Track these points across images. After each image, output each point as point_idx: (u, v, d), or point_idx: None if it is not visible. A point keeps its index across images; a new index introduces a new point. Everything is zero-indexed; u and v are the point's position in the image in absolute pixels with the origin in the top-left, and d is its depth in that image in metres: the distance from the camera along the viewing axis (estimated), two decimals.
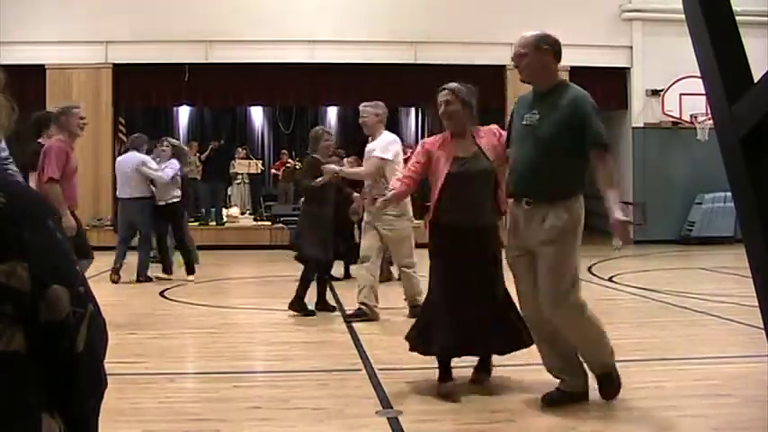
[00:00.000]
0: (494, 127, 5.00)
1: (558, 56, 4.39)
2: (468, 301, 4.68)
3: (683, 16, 1.87)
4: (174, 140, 11.45)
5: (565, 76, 14.97)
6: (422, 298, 6.90)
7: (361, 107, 7.55)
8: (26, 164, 6.65)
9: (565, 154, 4.28)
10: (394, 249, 7.48)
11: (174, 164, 10.28)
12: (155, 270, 10.27)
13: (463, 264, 4.73)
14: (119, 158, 11.03)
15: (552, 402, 4.47)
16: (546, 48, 4.35)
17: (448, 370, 4.80)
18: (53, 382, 1.35)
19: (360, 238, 8.01)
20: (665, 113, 15.35)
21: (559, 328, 4.41)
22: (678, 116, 15.29)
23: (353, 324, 7.04)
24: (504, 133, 4.79)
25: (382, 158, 7.18)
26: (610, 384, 4.55)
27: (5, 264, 1.27)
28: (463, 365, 5.00)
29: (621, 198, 4.32)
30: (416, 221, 7.91)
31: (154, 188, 10.20)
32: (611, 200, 4.24)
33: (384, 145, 7.26)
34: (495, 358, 5.04)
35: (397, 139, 7.55)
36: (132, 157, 10.16)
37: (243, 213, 18.08)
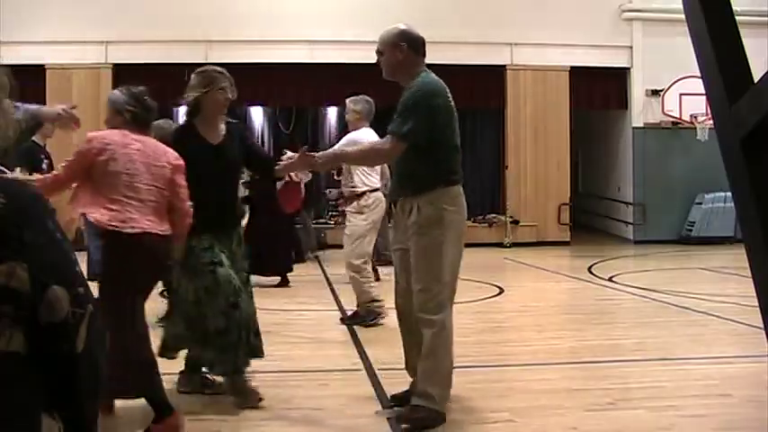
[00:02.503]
0: None
1: (417, 50, 4.39)
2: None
3: (683, 16, 1.87)
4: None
5: (565, 76, 15.04)
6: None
7: (347, 102, 7.43)
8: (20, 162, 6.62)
9: (410, 148, 4.16)
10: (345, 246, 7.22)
11: None
12: None
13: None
14: None
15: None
16: (402, 44, 4.36)
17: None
18: (52, 383, 1.35)
19: None
20: (665, 113, 15.35)
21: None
22: (678, 116, 15.27)
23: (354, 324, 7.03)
24: None
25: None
26: (414, 418, 4.15)
27: (5, 264, 1.27)
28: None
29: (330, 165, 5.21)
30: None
31: None
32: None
33: (355, 138, 6.98)
34: (494, 356, 5.03)
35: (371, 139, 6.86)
36: None
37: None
